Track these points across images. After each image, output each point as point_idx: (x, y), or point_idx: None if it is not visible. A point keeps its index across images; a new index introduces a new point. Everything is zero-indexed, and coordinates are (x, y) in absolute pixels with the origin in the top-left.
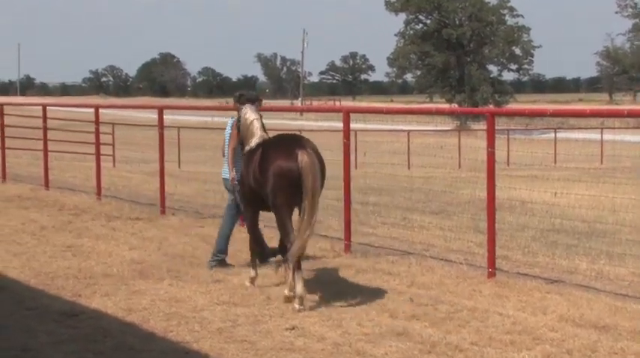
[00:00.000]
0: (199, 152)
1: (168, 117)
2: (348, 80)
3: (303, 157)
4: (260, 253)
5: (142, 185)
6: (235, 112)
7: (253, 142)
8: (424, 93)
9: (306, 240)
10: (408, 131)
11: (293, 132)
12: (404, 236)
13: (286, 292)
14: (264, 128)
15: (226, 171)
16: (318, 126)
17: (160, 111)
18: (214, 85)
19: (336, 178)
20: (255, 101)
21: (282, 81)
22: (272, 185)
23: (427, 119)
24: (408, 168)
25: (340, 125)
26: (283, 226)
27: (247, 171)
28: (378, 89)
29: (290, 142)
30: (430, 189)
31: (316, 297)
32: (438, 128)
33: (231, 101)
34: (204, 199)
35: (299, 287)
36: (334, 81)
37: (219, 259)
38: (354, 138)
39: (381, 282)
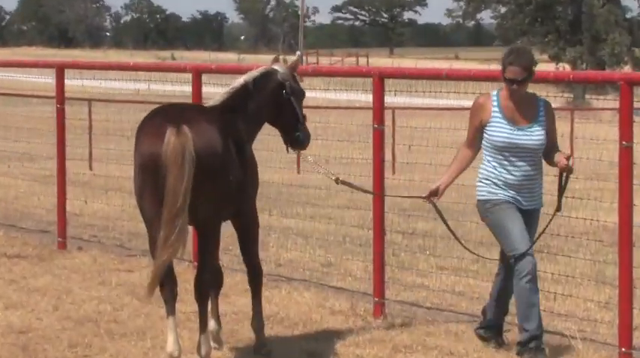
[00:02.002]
0: (125, 143)
1: (74, 84)
2: (382, 21)
3: (170, 137)
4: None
5: (26, 199)
6: None
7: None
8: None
9: (158, 269)
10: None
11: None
12: (476, 290)
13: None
14: None
15: None
16: (327, 99)
17: (60, 71)
18: (152, 29)
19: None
20: None
21: (267, 22)
22: (135, 180)
23: None
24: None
25: (366, 98)
26: (149, 244)
27: None
28: (432, 37)
29: (168, 113)
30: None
31: None
32: None
33: (181, 55)
34: (134, 223)
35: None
36: (356, 22)
37: None
38: (391, 122)
39: None
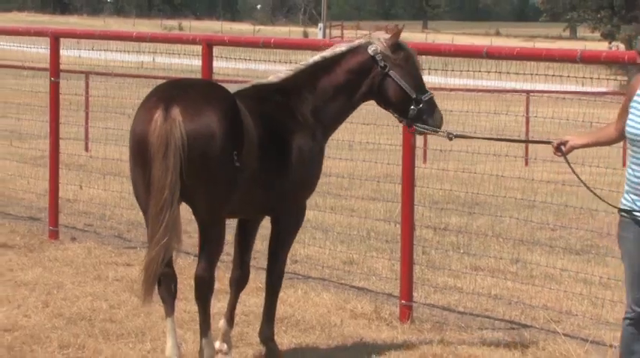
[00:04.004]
0: (126, 122)
1: (70, 55)
2: None
3: (157, 121)
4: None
5: (15, 182)
6: None
7: None
8: (559, 21)
9: (148, 267)
10: (528, 92)
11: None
12: (515, 293)
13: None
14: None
15: None
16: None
17: (54, 41)
18: None
19: (384, 180)
20: None
21: None
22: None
23: (563, 71)
24: (526, 163)
25: None
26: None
27: None
28: (469, 11)
29: (167, 90)
30: (566, 205)
31: None
32: (585, 89)
33: (190, 24)
34: (133, 212)
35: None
36: None
37: None
38: None
39: None
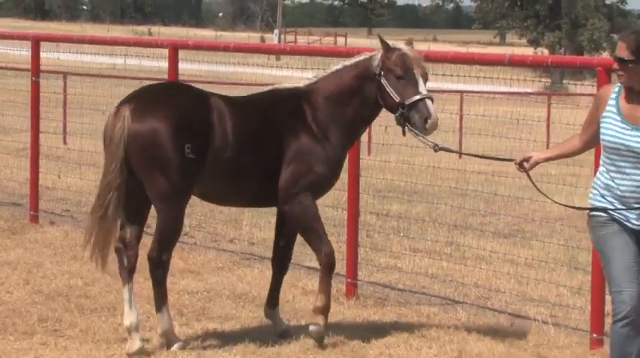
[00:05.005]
0: (100, 118)
1: (49, 57)
2: (361, 1)
3: (110, 117)
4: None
5: None
6: None
7: None
8: (490, 29)
9: (85, 233)
10: (461, 93)
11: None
12: (449, 273)
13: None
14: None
15: None
16: (302, 78)
17: (35, 44)
18: (129, 4)
19: None
20: None
21: (244, 0)
22: None
23: (493, 73)
24: (459, 156)
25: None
26: None
27: None
28: (410, 19)
29: (136, 92)
30: (495, 193)
31: None
32: (512, 89)
33: (158, 30)
34: None
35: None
36: (335, 2)
37: None
38: None
39: (408, 352)
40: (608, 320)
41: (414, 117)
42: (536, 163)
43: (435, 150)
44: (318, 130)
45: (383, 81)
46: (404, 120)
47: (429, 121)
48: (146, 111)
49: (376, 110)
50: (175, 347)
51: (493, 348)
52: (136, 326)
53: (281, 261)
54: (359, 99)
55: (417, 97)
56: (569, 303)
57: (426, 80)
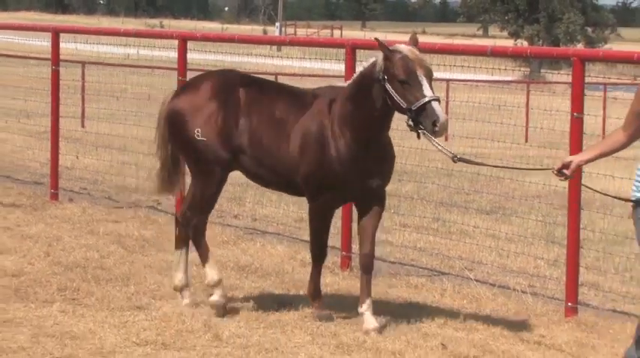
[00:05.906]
0: (115, 103)
1: (68, 47)
2: None
3: (163, 102)
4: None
5: (22, 153)
6: None
7: None
8: (474, 22)
9: (154, 179)
10: (447, 81)
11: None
12: (435, 246)
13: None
14: None
15: None
16: (301, 67)
17: (55, 35)
18: None
19: None
20: None
21: None
22: None
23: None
24: (445, 139)
25: (338, 67)
26: None
27: None
28: (400, 13)
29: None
30: (478, 173)
31: (293, 342)
32: (494, 78)
33: (169, 23)
34: (121, 178)
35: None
36: None
37: None
38: None
39: (399, 318)
40: (582, 290)
41: (423, 121)
42: (579, 166)
43: (454, 161)
44: (332, 130)
45: (387, 86)
46: (415, 125)
47: (437, 124)
48: (175, 96)
49: (386, 112)
50: (213, 298)
51: (476, 315)
52: (181, 287)
53: (364, 259)
54: (370, 101)
55: (423, 101)
56: (546, 274)
57: (430, 79)
